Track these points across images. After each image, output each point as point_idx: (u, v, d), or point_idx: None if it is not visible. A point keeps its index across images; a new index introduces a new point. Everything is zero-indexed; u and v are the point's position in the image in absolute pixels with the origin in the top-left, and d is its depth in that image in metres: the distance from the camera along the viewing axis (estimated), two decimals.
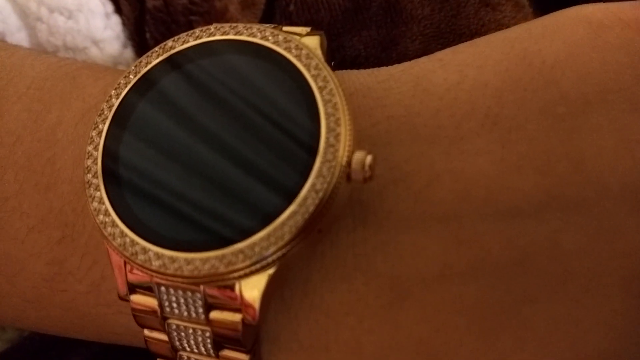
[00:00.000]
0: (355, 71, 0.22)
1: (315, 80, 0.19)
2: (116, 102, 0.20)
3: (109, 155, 0.20)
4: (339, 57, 0.30)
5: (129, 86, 0.21)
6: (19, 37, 0.28)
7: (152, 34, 0.28)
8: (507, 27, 0.29)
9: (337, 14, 0.30)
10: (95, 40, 0.28)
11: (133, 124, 0.20)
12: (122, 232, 0.19)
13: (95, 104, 0.23)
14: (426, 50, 0.29)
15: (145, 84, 0.21)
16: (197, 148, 0.20)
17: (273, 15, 0.31)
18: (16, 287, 0.23)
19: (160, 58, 0.21)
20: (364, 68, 0.29)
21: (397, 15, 0.29)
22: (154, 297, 0.19)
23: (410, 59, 0.29)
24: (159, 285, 0.19)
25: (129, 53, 0.29)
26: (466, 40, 0.29)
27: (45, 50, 0.28)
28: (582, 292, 0.19)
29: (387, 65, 0.29)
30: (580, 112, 0.20)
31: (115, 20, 0.29)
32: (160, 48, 0.21)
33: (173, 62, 0.21)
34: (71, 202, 0.22)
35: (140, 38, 0.29)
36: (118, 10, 0.29)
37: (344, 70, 0.23)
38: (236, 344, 0.19)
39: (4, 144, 0.23)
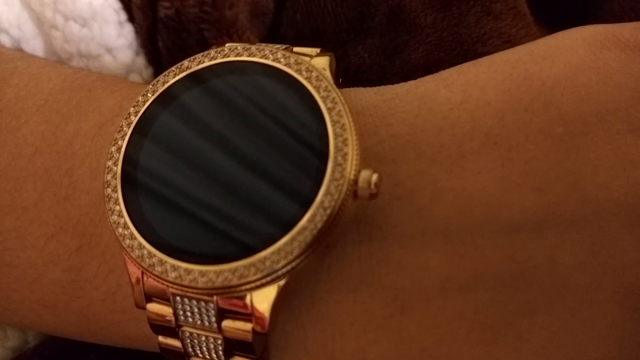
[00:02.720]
0: (362, 89, 0.23)
1: (325, 102, 0.20)
2: (135, 119, 0.21)
3: (128, 171, 0.21)
4: (343, 65, 0.30)
5: (147, 104, 0.21)
6: (34, 44, 0.29)
7: (164, 43, 0.29)
8: (509, 36, 0.30)
9: (342, 22, 0.30)
10: (108, 48, 0.29)
11: (151, 141, 0.21)
12: (140, 244, 0.20)
13: (111, 117, 0.24)
14: (428, 58, 0.30)
15: (163, 101, 0.21)
16: (212, 166, 0.20)
17: (280, 23, 0.31)
18: (34, 293, 0.24)
19: (177, 77, 0.22)
20: (368, 75, 0.30)
21: (401, 24, 0.30)
22: (169, 306, 0.20)
23: (413, 67, 0.29)
24: (174, 295, 0.20)
25: (141, 61, 0.30)
26: (468, 48, 0.29)
27: (59, 58, 0.29)
28: (578, 306, 0.20)
29: (390, 73, 0.30)
30: (578, 132, 0.20)
31: (128, 28, 0.29)
32: (176, 68, 0.22)
33: (189, 82, 0.22)
34: (89, 212, 0.23)
35: (152, 46, 0.29)
36: (131, 18, 0.29)
37: (351, 89, 0.23)
38: (247, 352, 0.20)
39: (24, 155, 0.24)
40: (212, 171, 0.20)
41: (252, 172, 0.20)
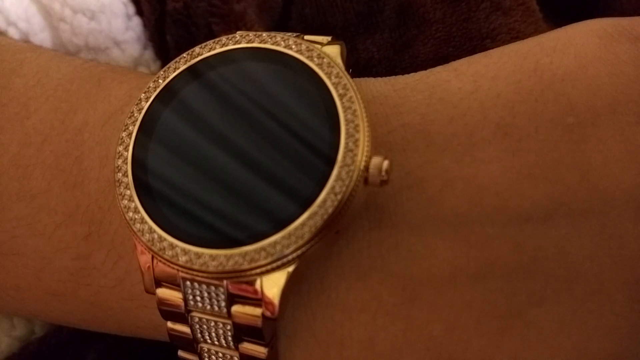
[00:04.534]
0: (372, 79, 0.23)
1: (336, 88, 0.20)
2: (146, 105, 0.21)
3: (138, 157, 0.21)
4: (352, 59, 0.30)
5: (157, 90, 0.21)
6: (42, 37, 0.29)
7: (172, 36, 0.29)
8: (518, 31, 0.30)
9: (351, 17, 0.30)
10: (116, 41, 0.29)
11: (161, 128, 0.21)
12: (150, 228, 0.20)
13: (120, 106, 0.24)
14: (437, 53, 0.30)
15: (173, 88, 0.22)
16: (221, 155, 0.20)
17: (289, 18, 0.31)
18: (42, 281, 0.24)
19: (188, 64, 0.22)
20: (377, 70, 0.30)
21: (410, 18, 0.30)
22: (179, 290, 0.20)
23: (421, 62, 0.29)
24: (184, 279, 0.20)
25: (149, 54, 0.30)
26: (477, 44, 0.29)
27: (67, 51, 0.29)
28: (587, 296, 0.20)
29: (399, 67, 0.30)
30: (588, 124, 0.20)
31: (137, 21, 0.29)
32: (188, 54, 0.22)
33: (200, 69, 0.22)
34: (98, 200, 0.23)
35: (160, 40, 0.29)
36: (139, 11, 0.29)
37: (362, 78, 0.23)
38: (256, 337, 0.20)
39: (33, 143, 0.24)
40: (220, 162, 0.20)
41: (264, 158, 0.20)
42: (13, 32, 0.28)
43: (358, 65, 0.30)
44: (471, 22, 0.30)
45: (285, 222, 0.19)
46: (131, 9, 0.29)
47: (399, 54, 0.30)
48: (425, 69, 0.23)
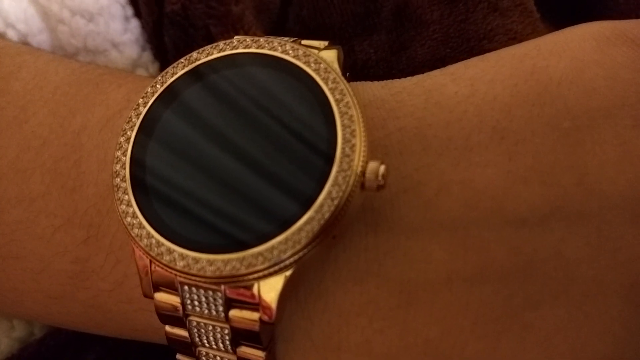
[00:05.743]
0: (369, 83, 0.23)
1: (333, 93, 0.20)
2: (143, 110, 0.21)
3: (136, 161, 0.21)
4: (349, 61, 0.30)
5: (155, 95, 0.21)
6: (41, 38, 0.29)
7: (170, 38, 0.29)
8: (515, 32, 0.30)
9: (349, 18, 0.30)
10: (115, 43, 0.29)
11: (159, 132, 0.21)
12: (148, 233, 0.20)
13: (119, 109, 0.24)
14: (435, 54, 0.30)
15: (171, 93, 0.22)
16: (220, 157, 0.20)
17: (286, 19, 0.31)
18: (40, 284, 0.24)
19: (186, 69, 0.22)
20: (374, 71, 0.30)
21: (407, 19, 0.30)
22: (176, 295, 0.20)
23: (419, 63, 0.29)
24: (182, 284, 0.20)
25: (147, 56, 0.30)
26: (474, 45, 0.30)
27: (66, 52, 0.29)
28: (583, 299, 0.20)
29: (396, 69, 0.30)
30: (585, 127, 0.21)
31: (135, 23, 0.29)
32: (185, 59, 0.22)
33: (197, 73, 0.22)
34: (96, 204, 0.23)
35: (158, 41, 0.30)
36: (137, 14, 0.29)
37: (359, 82, 0.23)
38: (254, 341, 0.20)
39: (31, 147, 0.24)
40: (219, 163, 0.21)
41: (259, 164, 0.20)
42: (12, 34, 0.28)
43: (355, 67, 0.30)
44: (468, 23, 0.30)
45: (288, 222, 0.19)
46: (129, 11, 0.29)
47: (396, 55, 0.30)
48: (423, 71, 0.24)
